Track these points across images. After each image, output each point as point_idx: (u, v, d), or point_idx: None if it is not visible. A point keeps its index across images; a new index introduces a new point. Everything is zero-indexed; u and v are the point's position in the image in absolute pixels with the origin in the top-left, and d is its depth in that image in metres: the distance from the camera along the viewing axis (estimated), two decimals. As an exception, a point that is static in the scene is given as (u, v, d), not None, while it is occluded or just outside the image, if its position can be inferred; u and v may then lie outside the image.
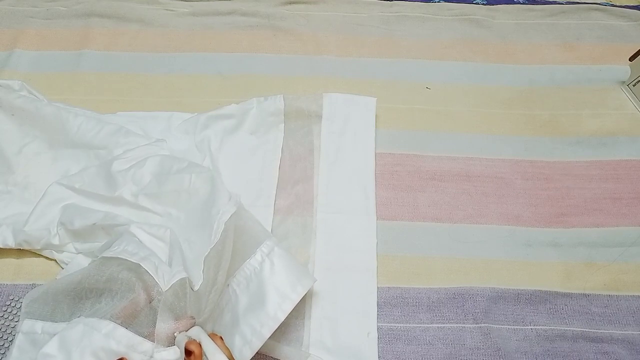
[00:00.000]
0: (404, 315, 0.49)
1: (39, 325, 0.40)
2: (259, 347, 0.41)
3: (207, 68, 0.69)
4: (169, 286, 0.39)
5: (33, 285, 0.50)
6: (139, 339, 0.37)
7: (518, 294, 0.50)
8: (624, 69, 0.67)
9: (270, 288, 0.43)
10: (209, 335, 0.39)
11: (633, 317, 0.49)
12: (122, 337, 0.36)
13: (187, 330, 0.39)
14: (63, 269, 0.50)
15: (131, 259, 0.40)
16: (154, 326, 0.38)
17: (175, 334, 0.38)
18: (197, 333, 0.38)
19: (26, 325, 0.40)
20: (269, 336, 0.41)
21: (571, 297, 0.50)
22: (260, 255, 0.44)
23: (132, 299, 0.38)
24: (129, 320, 0.38)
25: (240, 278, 0.44)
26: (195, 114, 0.61)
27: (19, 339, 0.40)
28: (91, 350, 0.35)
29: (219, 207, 0.45)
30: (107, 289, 0.40)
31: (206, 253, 0.42)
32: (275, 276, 0.43)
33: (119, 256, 0.41)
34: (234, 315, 0.42)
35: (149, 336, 0.37)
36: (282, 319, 0.42)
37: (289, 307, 0.42)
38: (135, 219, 0.48)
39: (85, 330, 0.36)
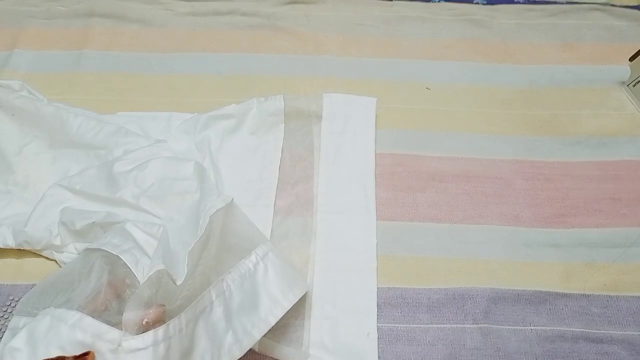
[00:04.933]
0: (404, 316, 0.49)
1: (22, 321, 0.40)
2: (249, 347, 0.41)
3: (207, 68, 0.68)
4: (146, 279, 0.38)
5: (33, 286, 0.49)
6: (106, 327, 0.35)
7: (518, 294, 0.50)
8: (624, 69, 0.67)
9: (263, 292, 0.43)
10: None
11: (633, 317, 0.49)
12: (88, 327, 0.35)
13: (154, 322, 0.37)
14: (63, 269, 0.50)
15: (113, 251, 0.40)
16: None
17: (144, 322, 0.37)
18: None
19: (13, 321, 0.40)
20: (258, 338, 0.41)
21: (571, 298, 0.50)
22: (255, 257, 0.45)
23: (104, 290, 0.38)
24: (99, 311, 0.37)
25: (235, 275, 0.44)
26: (195, 114, 0.61)
27: (5, 336, 0.40)
28: (57, 343, 0.35)
29: (206, 203, 0.45)
30: (83, 281, 0.39)
31: (190, 247, 0.41)
32: (268, 281, 0.44)
33: (102, 248, 0.41)
34: (226, 309, 0.42)
35: (118, 325, 0.36)
36: (273, 323, 0.42)
37: (280, 313, 0.43)
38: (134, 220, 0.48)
39: (52, 323, 0.36)
